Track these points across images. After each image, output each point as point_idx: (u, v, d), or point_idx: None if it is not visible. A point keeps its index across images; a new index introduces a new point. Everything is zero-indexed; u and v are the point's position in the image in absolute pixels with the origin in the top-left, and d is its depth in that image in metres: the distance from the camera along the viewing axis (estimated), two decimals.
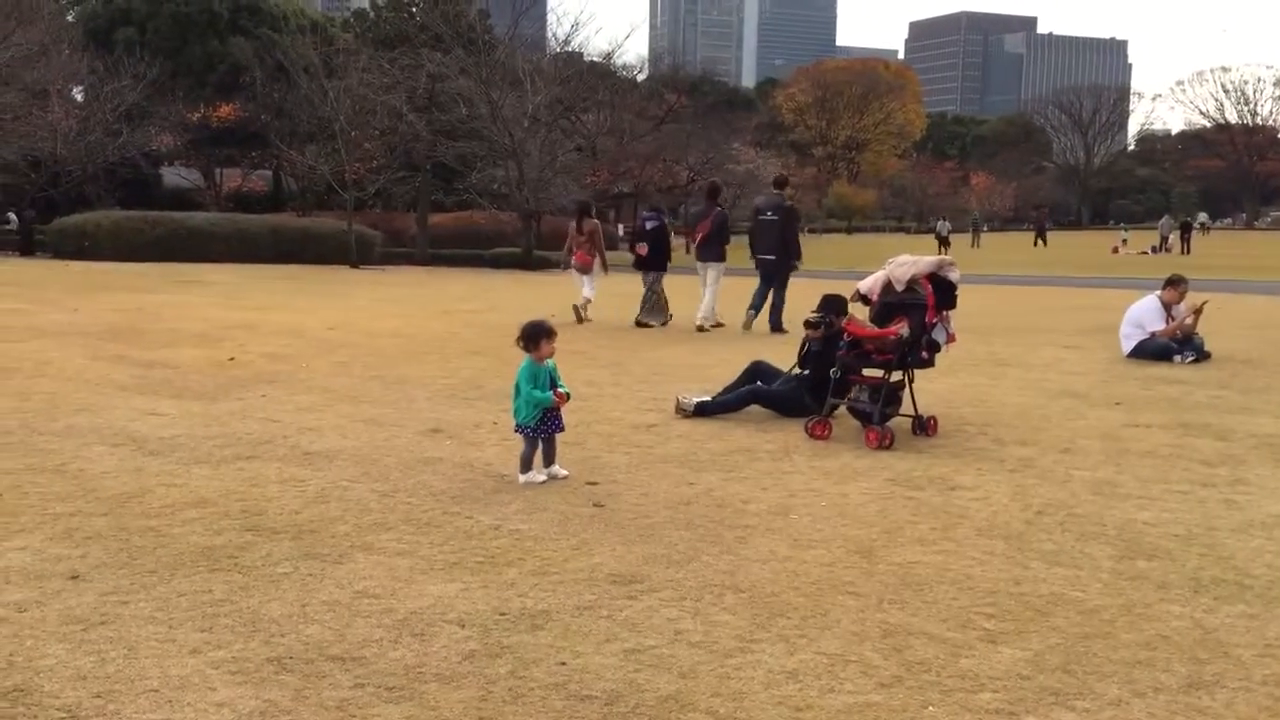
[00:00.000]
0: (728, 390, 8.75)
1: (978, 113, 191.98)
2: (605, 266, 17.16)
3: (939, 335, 7.79)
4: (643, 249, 16.14)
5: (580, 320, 15.92)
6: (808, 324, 8.54)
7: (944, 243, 55.73)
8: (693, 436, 7.68)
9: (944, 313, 7.82)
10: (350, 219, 35.40)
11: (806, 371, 8.45)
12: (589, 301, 16.30)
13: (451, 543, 5.01)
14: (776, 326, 14.79)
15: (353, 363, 10.98)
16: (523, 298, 22.18)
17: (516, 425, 6.26)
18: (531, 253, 37.84)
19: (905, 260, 7.94)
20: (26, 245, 35.82)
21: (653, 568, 4.73)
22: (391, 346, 12.50)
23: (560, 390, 6.24)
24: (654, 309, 15.98)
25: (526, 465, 6.22)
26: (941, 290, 7.75)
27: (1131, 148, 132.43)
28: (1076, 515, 5.73)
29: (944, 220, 67.45)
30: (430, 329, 14.73)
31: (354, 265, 32.70)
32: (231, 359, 10.93)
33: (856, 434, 7.71)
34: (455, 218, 48.62)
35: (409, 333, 14.12)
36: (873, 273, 8.17)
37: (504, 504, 5.72)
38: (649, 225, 16.52)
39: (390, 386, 9.53)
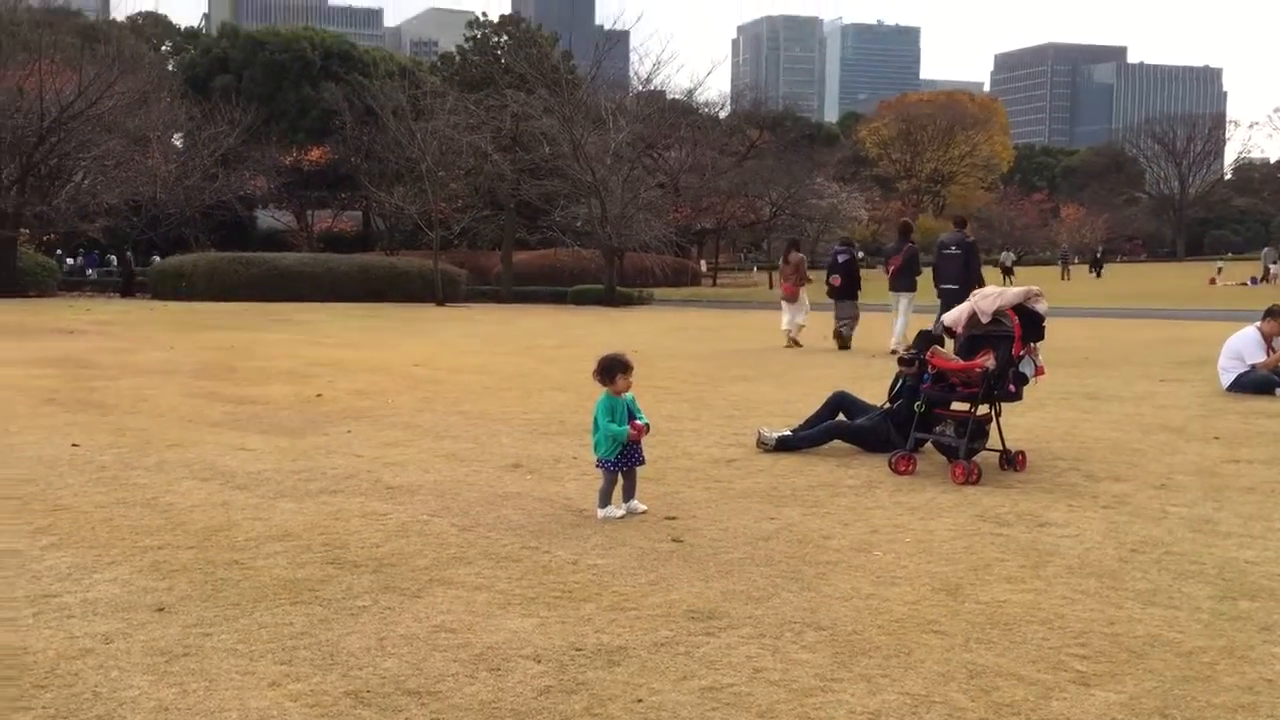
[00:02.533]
0: (810, 424, 8.64)
1: (1066, 144, 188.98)
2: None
3: (1027, 368, 7.61)
4: (835, 280, 17.92)
5: (790, 345, 17.79)
6: (901, 360, 8.43)
7: (1008, 273, 54.90)
8: (774, 471, 7.58)
9: (1031, 345, 7.64)
10: (436, 257, 36.01)
11: (895, 405, 8.32)
12: (801, 327, 18.01)
13: (529, 577, 5.00)
14: None
15: (436, 398, 11.10)
16: (604, 333, 22.28)
17: (596, 460, 6.24)
18: (614, 289, 38.04)
19: (991, 292, 7.79)
20: (127, 287, 37.04)
21: (731, 604, 4.66)
22: (474, 382, 12.61)
23: (639, 422, 6.20)
24: (850, 322, 17.65)
25: (605, 500, 6.19)
26: (1029, 322, 7.58)
27: (1228, 177, 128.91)
28: (1174, 553, 5.52)
29: (1008, 250, 66.37)
30: (513, 365, 14.84)
31: (439, 303, 33.20)
32: (319, 395, 11.12)
33: (942, 469, 7.54)
34: (538, 255, 49.23)
35: (492, 369, 14.25)
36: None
37: (582, 539, 5.69)
38: (841, 258, 18.32)
39: (472, 422, 9.60)
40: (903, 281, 17.07)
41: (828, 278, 18.39)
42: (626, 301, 37.52)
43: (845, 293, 17.75)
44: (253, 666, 3.87)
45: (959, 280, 15.95)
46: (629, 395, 6.26)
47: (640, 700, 3.63)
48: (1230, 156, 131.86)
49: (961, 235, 16.95)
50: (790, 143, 70.45)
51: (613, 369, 6.17)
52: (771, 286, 54.45)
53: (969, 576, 5.12)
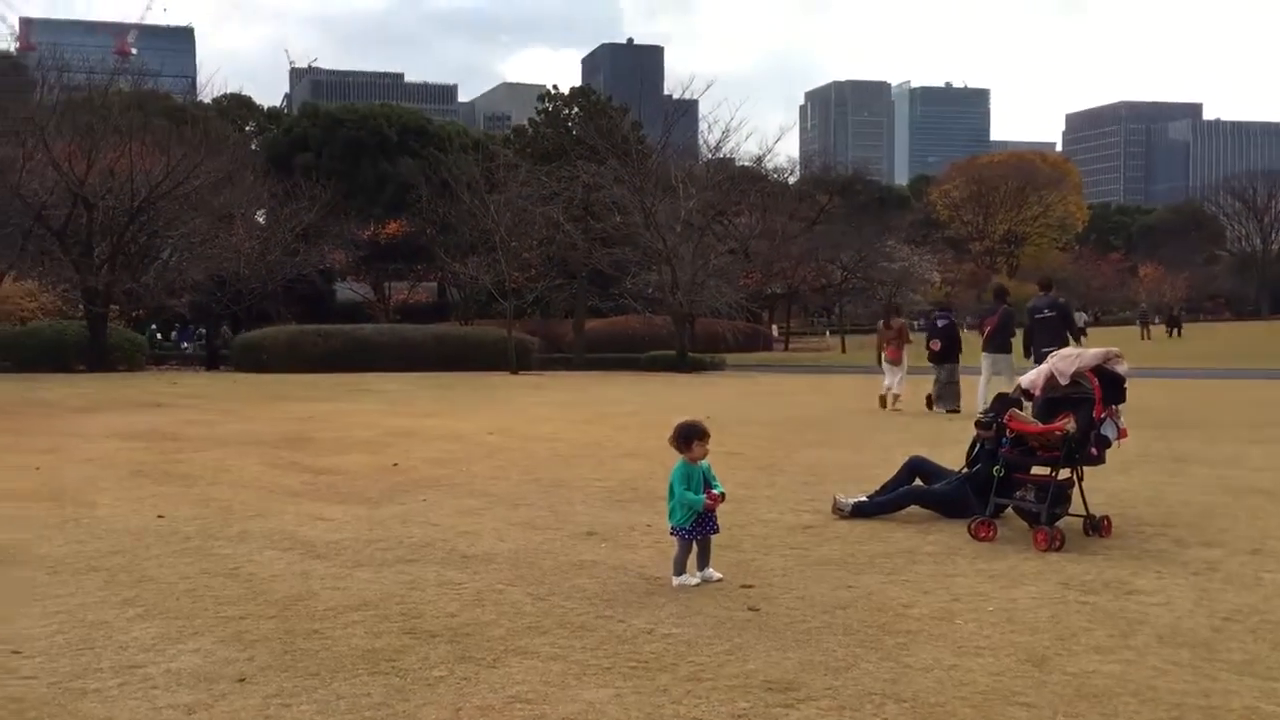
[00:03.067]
0: (886, 489, 8.53)
1: (1142, 203, 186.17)
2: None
3: (1109, 431, 7.45)
4: (935, 344, 18.25)
5: (885, 407, 18.18)
6: (979, 424, 8.31)
7: (1080, 334, 53.82)
8: (850, 538, 7.49)
9: (1113, 407, 7.49)
10: (510, 326, 36.42)
11: (974, 470, 8.19)
12: (897, 396, 18.30)
13: (604, 647, 4.97)
14: None
15: (511, 467, 11.16)
16: (676, 400, 22.28)
17: (671, 527, 6.22)
18: (686, 355, 38.09)
19: (1069, 353, 7.67)
20: (211, 360, 37.97)
21: (810, 675, 4.58)
22: (548, 450, 12.67)
23: (715, 491, 6.17)
24: (946, 396, 17.77)
25: (680, 568, 6.16)
26: (1109, 384, 7.43)
27: None
28: (1270, 621, 5.33)
29: (1082, 311, 65.14)
30: (586, 432, 14.90)
31: (513, 371, 33.51)
32: (395, 465, 11.25)
33: (1024, 535, 7.38)
34: (610, 322, 49.56)
35: (566, 436, 14.31)
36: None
37: (657, 607, 5.65)
38: (940, 323, 18.92)
39: (547, 490, 9.63)
40: (997, 343, 17.47)
41: (928, 342, 18.78)
42: (698, 367, 37.52)
43: (945, 357, 18.06)
44: None
45: (1057, 342, 15.78)
46: (705, 463, 6.22)
47: None
48: None
49: (1052, 298, 17.53)
50: (860, 206, 70.55)
51: (690, 436, 6.16)
52: (844, 350, 54.17)
53: (1055, 646, 4.99)
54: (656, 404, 20.98)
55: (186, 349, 47.45)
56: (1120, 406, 7.59)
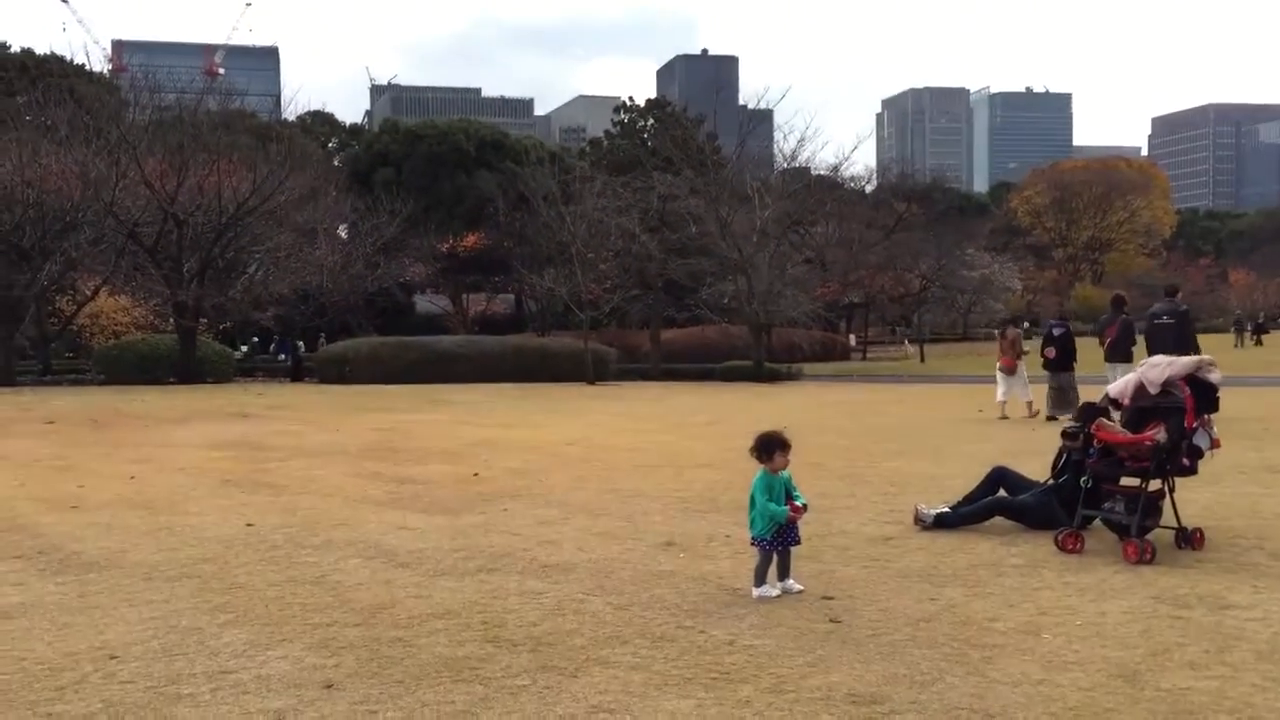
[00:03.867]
0: (969, 500, 8.40)
1: (1232, 207, 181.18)
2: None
3: (1201, 441, 7.25)
4: (1050, 352, 18.58)
5: (1002, 416, 18.66)
6: (1065, 434, 8.16)
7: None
8: (933, 549, 7.39)
9: (1205, 416, 7.29)
10: (586, 337, 36.61)
11: (1060, 480, 8.04)
12: (1004, 403, 18.98)
13: (685, 657, 4.97)
14: None
15: (589, 477, 11.21)
16: (754, 409, 22.18)
17: (752, 538, 6.19)
18: (762, 365, 37.92)
19: (1160, 361, 7.49)
20: (296, 372, 38.73)
21: (894, 688, 4.53)
22: (626, 460, 12.71)
23: (797, 503, 6.14)
24: (1061, 403, 17.85)
25: (761, 579, 6.13)
26: (1201, 392, 7.24)
27: None
28: None
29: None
30: (663, 442, 14.91)
31: (590, 382, 33.67)
32: (476, 474, 11.37)
33: (1113, 548, 7.22)
34: (687, 333, 49.54)
35: (643, 446, 14.34)
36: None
37: (738, 618, 5.63)
38: (1056, 332, 19.15)
39: (625, 500, 9.66)
40: (1118, 352, 17.63)
41: (1043, 350, 19.16)
42: (775, 377, 37.34)
43: (1060, 364, 18.30)
44: None
45: (1174, 349, 15.95)
46: (786, 473, 6.19)
47: None
48: None
49: (1174, 304, 17.42)
50: (939, 214, 69.54)
51: (771, 446, 6.14)
52: (923, 360, 53.51)
53: (1147, 662, 4.87)
54: (734, 414, 20.92)
55: (284, 360, 48.21)
56: (1212, 416, 7.39)
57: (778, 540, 6.09)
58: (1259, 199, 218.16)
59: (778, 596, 6.04)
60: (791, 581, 6.18)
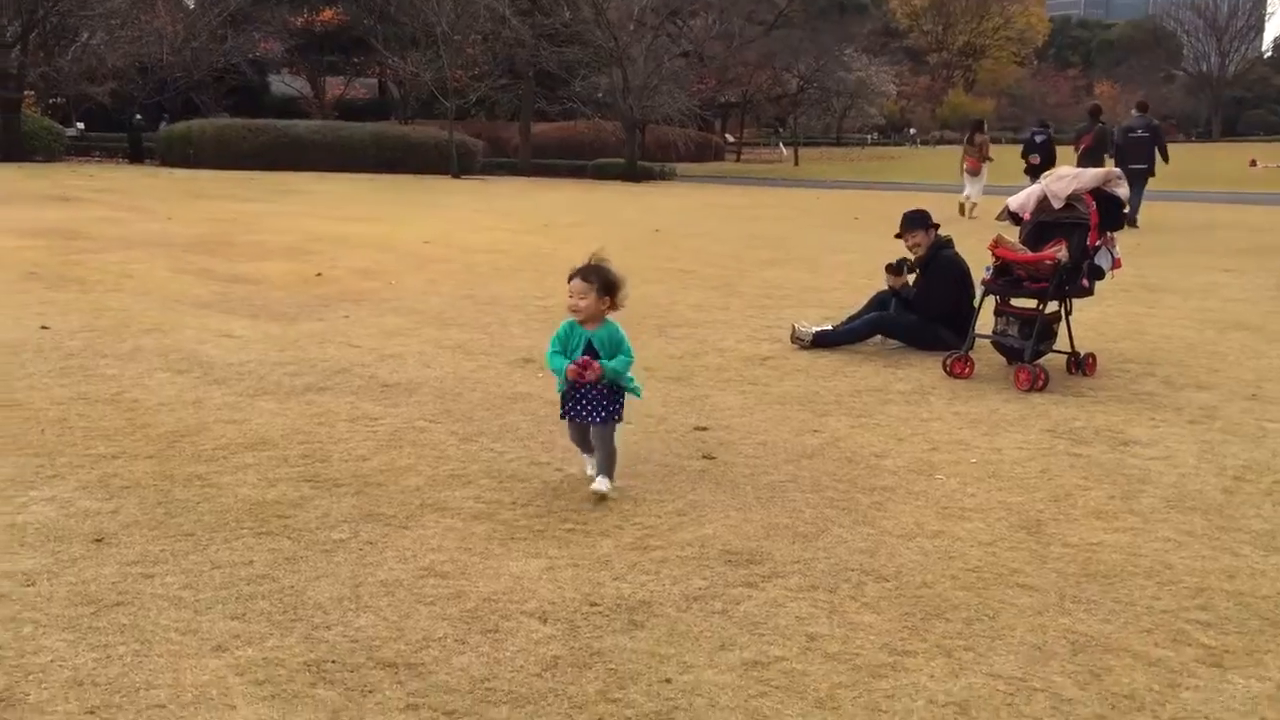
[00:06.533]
0: (852, 319, 7.83)
1: (1104, 16, 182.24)
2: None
3: (1103, 260, 6.75)
4: (1034, 159, 19.38)
5: (963, 215, 19.14)
6: (890, 268, 7.60)
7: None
8: (813, 371, 6.82)
9: (1109, 234, 6.77)
10: (452, 128, 34.77)
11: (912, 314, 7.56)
12: (975, 204, 19.57)
13: (537, 503, 4.28)
14: (1131, 222, 16.65)
15: (444, 280, 10.32)
16: (625, 210, 21.35)
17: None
18: (635, 163, 36.80)
19: (1065, 173, 6.88)
20: (136, 153, 35.98)
21: (775, 543, 3.93)
22: (487, 263, 11.81)
23: (598, 364, 4.25)
24: None
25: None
26: (1107, 208, 6.68)
27: (1268, 54, 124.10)
28: None
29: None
30: (529, 244, 14.01)
31: (455, 175, 32.15)
32: (319, 275, 10.36)
33: (1002, 373, 6.77)
34: (558, 127, 47.73)
35: (506, 248, 13.42)
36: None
37: None
38: (1039, 138, 20.13)
39: (482, 308, 8.84)
40: (1091, 161, 17.81)
41: (1024, 155, 20.03)
42: (648, 176, 36.33)
43: (1044, 171, 19.86)
44: (197, 622, 3.17)
45: (1147, 160, 18.14)
46: (609, 326, 4.39)
47: (669, 681, 2.92)
48: (1270, 35, 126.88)
49: (1147, 119, 18.83)
50: (820, 11, 67.72)
51: (604, 285, 4.33)
52: (797, 163, 53.03)
53: (1050, 509, 4.38)
54: (604, 215, 20.05)
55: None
56: (1115, 235, 6.87)
57: (567, 405, 4.45)
58: (1129, 10, 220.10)
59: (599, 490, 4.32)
60: (600, 480, 4.33)
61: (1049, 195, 6.76)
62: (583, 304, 4.31)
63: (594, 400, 4.33)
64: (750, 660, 3.05)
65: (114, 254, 11.20)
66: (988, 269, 6.80)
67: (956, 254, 7.62)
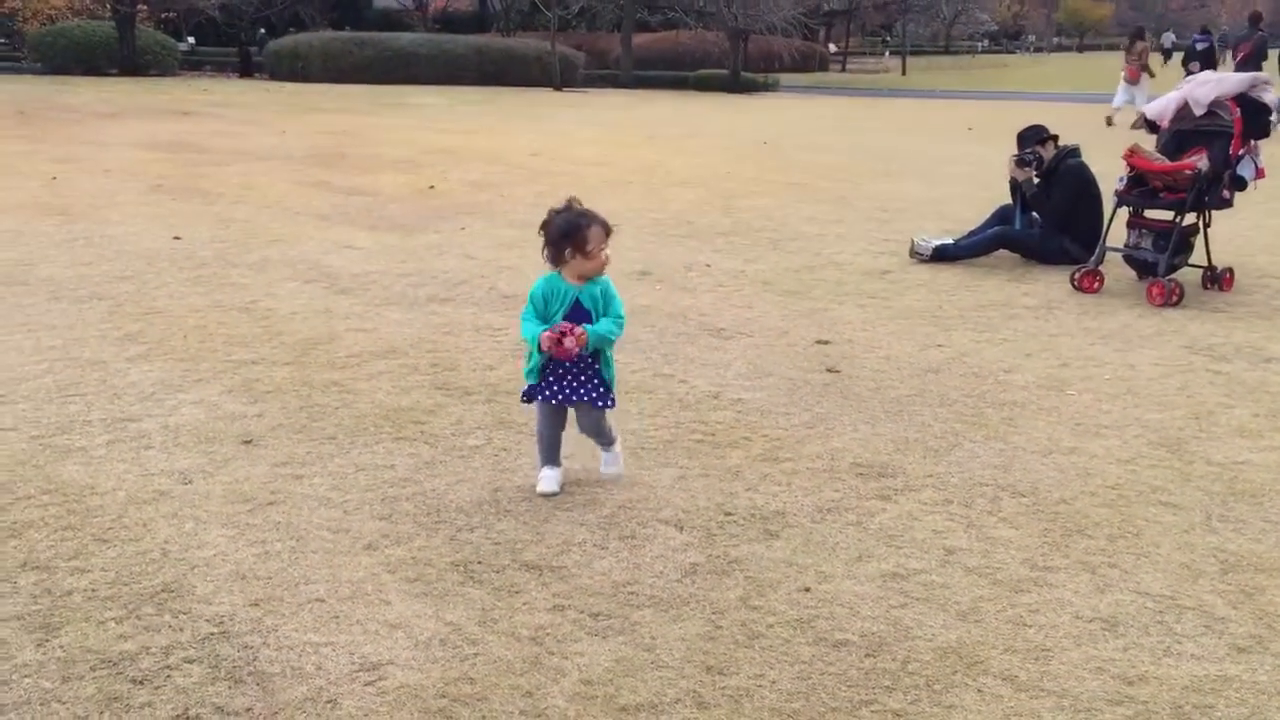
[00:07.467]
0: (974, 233, 7.65)
1: None
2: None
3: (1245, 170, 6.45)
4: (1194, 66, 18.91)
5: (1110, 125, 18.91)
6: (1018, 161, 7.29)
7: (1167, 56, 50.53)
8: (934, 285, 6.70)
9: (1253, 142, 6.45)
10: (554, 39, 34.49)
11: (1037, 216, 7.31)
12: (1118, 109, 19.52)
13: (664, 414, 4.31)
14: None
15: (555, 193, 10.27)
16: (731, 122, 21.05)
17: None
18: (739, 75, 36.14)
19: (1208, 78, 6.57)
20: (245, 67, 36.48)
21: (906, 457, 3.90)
22: (595, 175, 11.77)
23: (580, 330, 3.31)
24: None
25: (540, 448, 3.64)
26: (1252, 115, 6.37)
27: None
28: None
29: (1169, 32, 60.60)
30: (635, 157, 13.91)
31: (557, 88, 31.97)
32: (432, 187, 10.45)
33: (1132, 288, 6.56)
34: (660, 38, 46.99)
35: (613, 160, 13.35)
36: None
37: (723, 366, 4.95)
38: (1200, 46, 20.42)
39: None
40: (1251, 67, 17.55)
41: (1184, 63, 20.50)
42: (751, 88, 35.67)
43: None
44: (347, 521, 3.29)
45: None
46: (600, 281, 3.44)
47: (808, 590, 2.94)
48: None
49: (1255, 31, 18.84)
50: None
51: (567, 236, 3.36)
52: (904, 73, 51.58)
53: (1191, 427, 4.26)
54: (709, 127, 19.80)
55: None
56: (1260, 143, 6.55)
57: (542, 384, 3.48)
58: None
59: (550, 495, 3.50)
60: (547, 472, 3.53)
61: (1190, 101, 6.46)
62: (606, 255, 3.40)
63: (582, 375, 3.45)
64: (889, 572, 3.05)
65: (235, 166, 11.44)
66: (1121, 179, 6.55)
67: (1082, 162, 7.35)
